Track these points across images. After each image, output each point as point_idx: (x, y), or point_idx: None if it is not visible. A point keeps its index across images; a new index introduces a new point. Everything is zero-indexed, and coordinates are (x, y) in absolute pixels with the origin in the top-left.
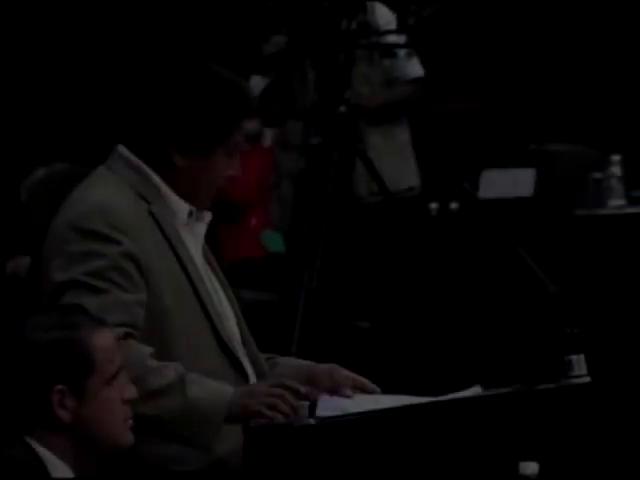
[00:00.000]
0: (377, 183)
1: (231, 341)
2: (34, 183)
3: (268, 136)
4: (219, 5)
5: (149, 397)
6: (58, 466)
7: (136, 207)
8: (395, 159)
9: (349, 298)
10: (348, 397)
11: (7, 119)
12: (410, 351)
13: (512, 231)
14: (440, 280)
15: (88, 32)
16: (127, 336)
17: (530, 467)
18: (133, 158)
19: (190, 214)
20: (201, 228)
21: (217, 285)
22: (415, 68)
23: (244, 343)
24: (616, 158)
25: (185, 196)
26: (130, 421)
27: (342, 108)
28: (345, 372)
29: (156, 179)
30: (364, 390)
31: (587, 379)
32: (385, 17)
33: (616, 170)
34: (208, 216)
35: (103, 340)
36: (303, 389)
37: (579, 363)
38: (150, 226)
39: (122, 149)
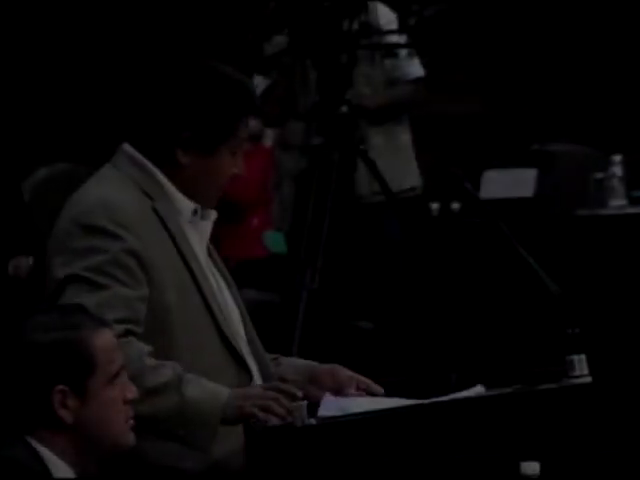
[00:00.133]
0: (378, 183)
1: (235, 339)
2: (36, 183)
3: (269, 136)
4: (221, 5)
5: (145, 395)
6: (59, 466)
7: (140, 204)
8: (396, 159)
9: (350, 298)
10: (351, 397)
11: (9, 119)
12: (412, 351)
13: (513, 231)
14: (441, 280)
15: (91, 30)
16: (127, 333)
17: (531, 467)
18: (138, 156)
19: (195, 212)
20: (206, 227)
21: (222, 284)
22: (416, 68)
23: (250, 343)
24: (617, 158)
25: (189, 194)
26: (131, 421)
27: (343, 108)
28: (348, 372)
29: (160, 177)
30: (368, 390)
31: (588, 379)
32: (386, 17)
33: (617, 170)
34: (213, 215)
35: (104, 340)
36: (300, 393)
37: (580, 363)
38: (154, 223)
39: (127, 147)
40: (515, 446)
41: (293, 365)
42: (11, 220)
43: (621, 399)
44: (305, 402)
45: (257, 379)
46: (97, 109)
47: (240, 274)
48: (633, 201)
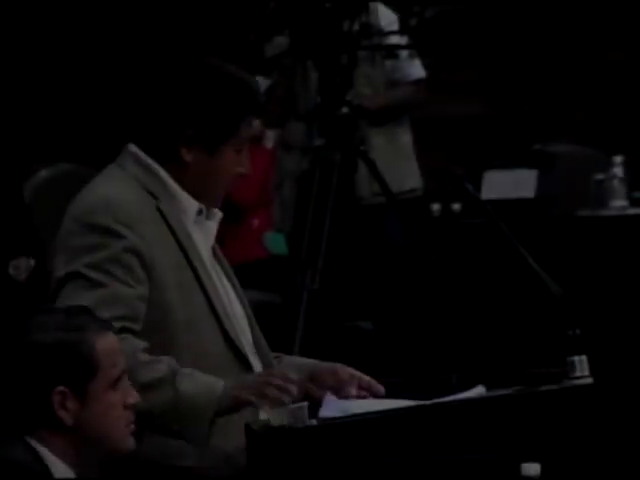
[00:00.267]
0: (379, 184)
1: (238, 338)
2: (38, 184)
3: (270, 137)
4: (222, 5)
5: (140, 391)
6: (59, 466)
7: (144, 203)
8: (397, 160)
9: (351, 299)
10: (352, 396)
11: (10, 119)
12: (412, 352)
13: (514, 232)
14: (442, 281)
15: (94, 30)
16: (124, 330)
17: (532, 468)
18: (142, 155)
19: (200, 212)
20: (212, 227)
21: (228, 284)
22: (417, 69)
23: (255, 344)
24: (618, 159)
25: (194, 193)
26: (132, 426)
27: (344, 109)
28: (350, 371)
29: (165, 176)
30: (370, 390)
31: (589, 380)
32: (387, 18)
33: (618, 171)
34: (218, 215)
35: (107, 343)
36: (295, 377)
37: (581, 364)
38: (157, 221)
39: (132, 147)
40: (516, 447)
41: (294, 363)
42: (11, 221)
43: (622, 400)
44: (306, 403)
45: None
46: (100, 108)
47: (241, 275)
48: (634, 202)
